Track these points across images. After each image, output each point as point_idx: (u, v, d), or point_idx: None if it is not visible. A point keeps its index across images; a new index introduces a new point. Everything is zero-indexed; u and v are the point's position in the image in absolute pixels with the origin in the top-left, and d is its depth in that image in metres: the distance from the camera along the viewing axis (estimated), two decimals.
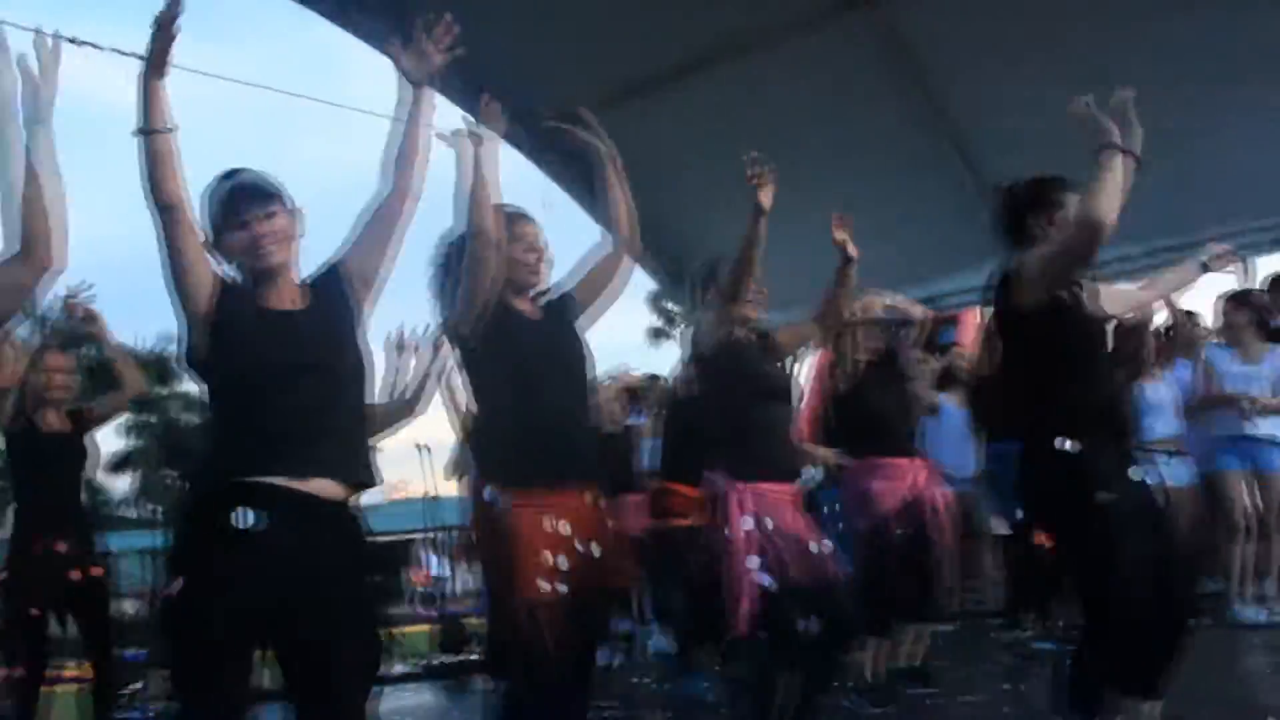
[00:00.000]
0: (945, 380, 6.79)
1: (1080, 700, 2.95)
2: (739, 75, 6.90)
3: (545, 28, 6.82)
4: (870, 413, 4.61)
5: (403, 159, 2.56)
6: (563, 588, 2.74)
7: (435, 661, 7.47)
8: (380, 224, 2.54)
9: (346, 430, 2.39)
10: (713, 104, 6.95)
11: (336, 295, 2.48)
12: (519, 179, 7.98)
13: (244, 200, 2.38)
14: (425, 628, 8.87)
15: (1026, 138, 6.92)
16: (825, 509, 4.59)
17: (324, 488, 2.30)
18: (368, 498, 2.48)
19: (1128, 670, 2.90)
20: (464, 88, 7.47)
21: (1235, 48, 6.33)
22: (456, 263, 2.89)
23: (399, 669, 7.25)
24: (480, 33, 7.54)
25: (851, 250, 3.80)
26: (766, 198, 3.32)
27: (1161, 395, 5.72)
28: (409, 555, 17.85)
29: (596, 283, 3.13)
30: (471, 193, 2.79)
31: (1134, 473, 3.02)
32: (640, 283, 8.55)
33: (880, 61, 6.89)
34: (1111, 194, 2.82)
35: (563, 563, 2.76)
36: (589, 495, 2.92)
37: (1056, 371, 3.04)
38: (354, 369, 2.44)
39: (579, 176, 7.98)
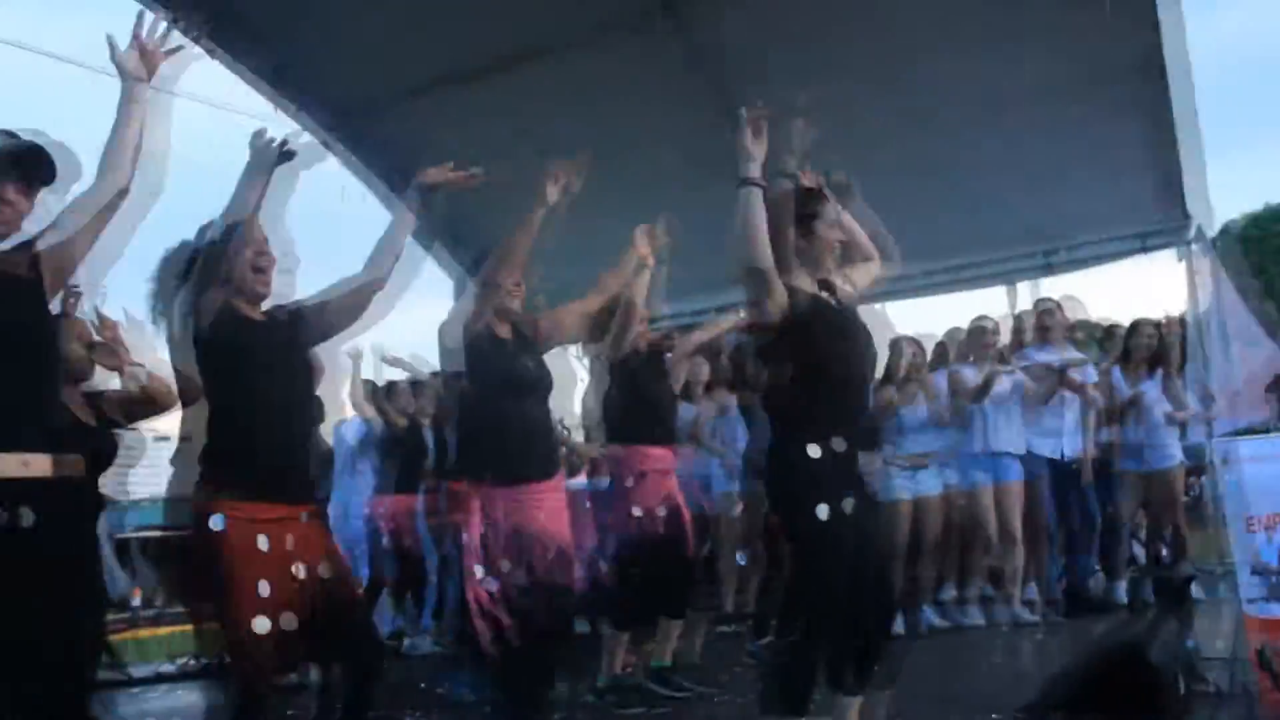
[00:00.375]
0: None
1: (785, 697, 2.98)
2: (546, 77, 6.95)
3: (356, 23, 6.75)
4: (634, 403, 4.66)
5: (111, 153, 2.51)
6: (273, 608, 2.65)
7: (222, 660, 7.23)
8: (80, 213, 2.49)
9: (43, 403, 2.37)
10: (518, 104, 6.98)
11: (24, 271, 2.43)
12: (318, 169, 7.87)
13: (12, 165, 2.35)
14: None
15: (824, 146, 7.16)
16: (588, 502, 4.64)
17: (35, 464, 2.28)
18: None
19: (833, 666, 3.00)
20: (275, 81, 7.37)
21: (1008, 81, 6.72)
22: (186, 272, 2.84)
23: (190, 665, 7.08)
24: (291, 27, 7.40)
25: (649, 263, 4.08)
26: (553, 192, 3.31)
27: (918, 414, 6.10)
28: None
29: (336, 308, 3.06)
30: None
31: (855, 477, 3.04)
32: (442, 280, 8.49)
33: (681, 70, 7.03)
34: (743, 233, 2.89)
35: (270, 582, 2.66)
36: (305, 512, 2.83)
37: (784, 376, 3.08)
38: (42, 340, 2.42)
39: (378, 170, 7.94)
